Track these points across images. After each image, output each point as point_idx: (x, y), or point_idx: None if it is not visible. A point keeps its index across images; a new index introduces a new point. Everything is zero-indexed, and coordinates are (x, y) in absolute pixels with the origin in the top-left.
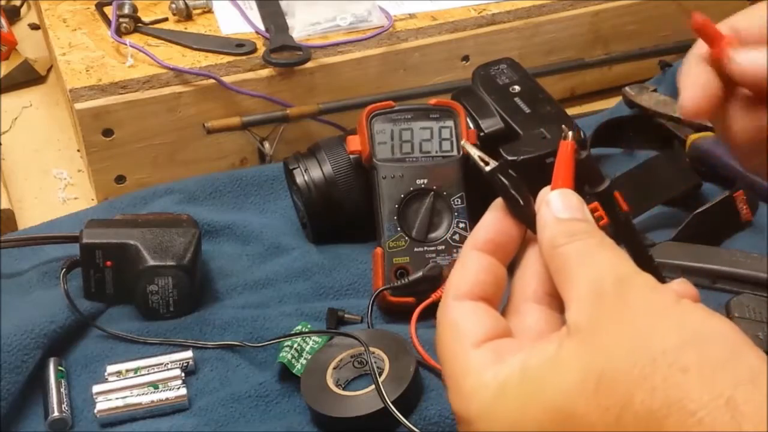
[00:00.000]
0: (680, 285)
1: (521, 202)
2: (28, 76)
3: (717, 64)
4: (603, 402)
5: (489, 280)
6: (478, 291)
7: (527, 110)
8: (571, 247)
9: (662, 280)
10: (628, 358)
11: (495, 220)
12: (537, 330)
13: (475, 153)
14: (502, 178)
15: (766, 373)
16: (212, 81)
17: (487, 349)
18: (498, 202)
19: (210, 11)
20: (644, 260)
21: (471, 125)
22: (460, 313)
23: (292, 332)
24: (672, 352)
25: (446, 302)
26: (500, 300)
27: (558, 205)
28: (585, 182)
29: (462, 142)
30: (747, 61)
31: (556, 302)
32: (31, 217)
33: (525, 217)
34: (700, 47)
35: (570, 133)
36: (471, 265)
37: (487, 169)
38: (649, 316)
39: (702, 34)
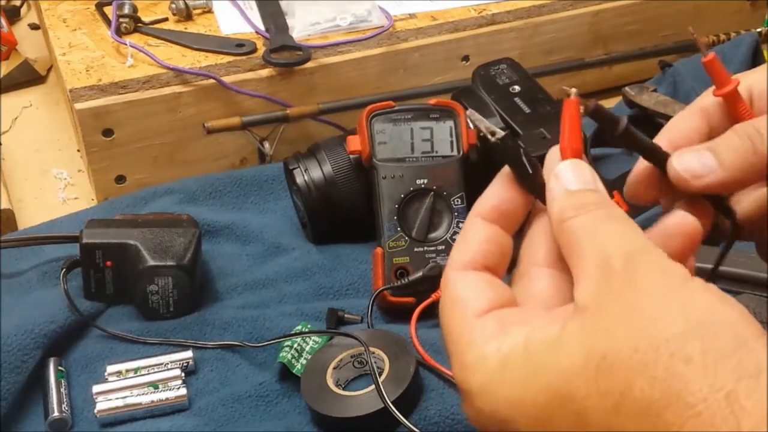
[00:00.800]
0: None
1: (530, 170)
2: (28, 76)
3: None
4: (603, 386)
5: (492, 249)
6: (480, 260)
7: (527, 110)
8: (580, 220)
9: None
10: (631, 343)
11: (502, 188)
12: (546, 296)
13: (482, 123)
14: (512, 146)
15: None
16: (212, 81)
17: (491, 319)
18: (505, 171)
19: (210, 11)
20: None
21: (471, 125)
22: (463, 283)
23: (292, 332)
24: (675, 340)
25: (448, 273)
26: (504, 269)
27: (568, 176)
28: (603, 131)
29: (468, 112)
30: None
31: (566, 266)
32: (31, 217)
33: (533, 187)
34: None
35: (573, 90)
36: (474, 234)
37: (494, 138)
38: (655, 300)
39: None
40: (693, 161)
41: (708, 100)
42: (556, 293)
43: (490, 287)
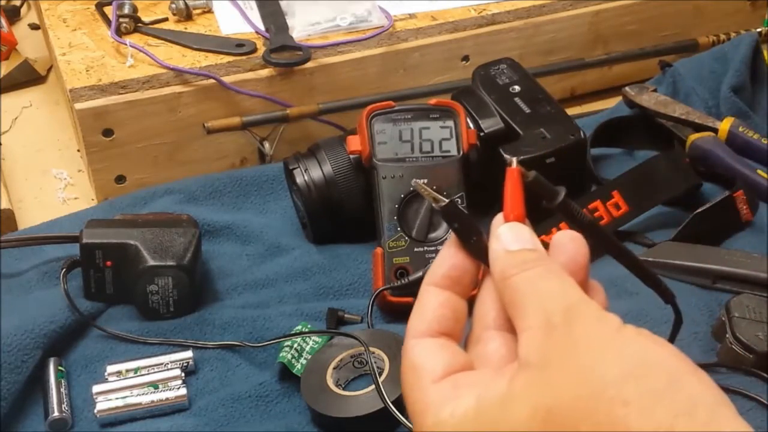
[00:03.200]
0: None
1: (473, 237)
2: (28, 76)
3: None
4: None
5: (447, 314)
6: (436, 326)
7: (527, 110)
8: (521, 277)
9: (643, 277)
10: (573, 393)
11: (449, 255)
12: (498, 357)
13: (426, 191)
14: (453, 215)
15: (705, 401)
16: (212, 81)
17: (446, 384)
18: (452, 238)
19: (210, 11)
20: (624, 261)
21: (471, 125)
22: (419, 350)
23: (292, 332)
24: (613, 385)
25: (406, 342)
26: (462, 333)
27: (508, 237)
28: (542, 199)
29: (413, 181)
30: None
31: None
32: (31, 217)
33: (478, 251)
34: None
35: (514, 159)
36: (428, 302)
37: (437, 206)
38: (592, 349)
39: None
40: None
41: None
42: (507, 353)
43: (446, 353)
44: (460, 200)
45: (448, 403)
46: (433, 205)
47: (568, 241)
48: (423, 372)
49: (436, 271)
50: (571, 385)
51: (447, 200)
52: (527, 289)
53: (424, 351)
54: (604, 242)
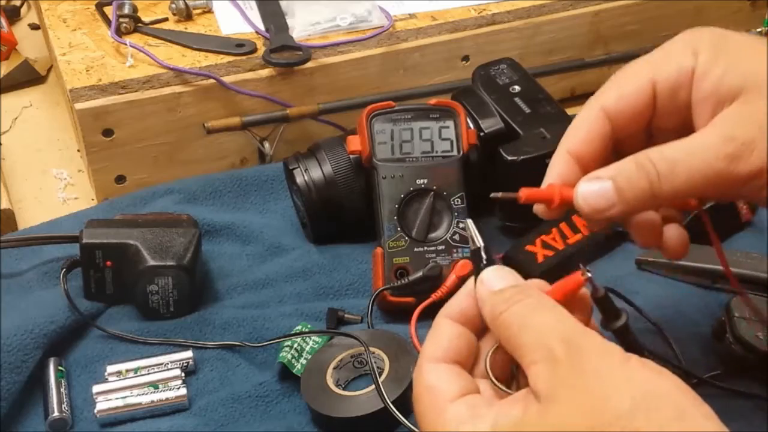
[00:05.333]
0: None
1: None
2: (28, 76)
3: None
4: None
5: (461, 345)
6: (451, 355)
7: (527, 110)
8: (510, 313)
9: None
10: (586, 423)
11: (467, 295)
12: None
13: (475, 232)
14: (476, 260)
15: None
16: (212, 81)
17: (462, 404)
18: (470, 281)
19: (210, 11)
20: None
21: (471, 125)
22: (435, 374)
23: (292, 332)
24: (625, 416)
25: (421, 365)
26: (471, 364)
27: (491, 279)
28: (603, 317)
29: (467, 221)
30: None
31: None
32: (31, 217)
33: None
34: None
35: (588, 273)
36: (444, 332)
37: (473, 247)
38: (601, 381)
39: (537, 201)
40: (596, 198)
41: (609, 99)
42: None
43: (460, 378)
44: (459, 200)
45: (467, 422)
46: (471, 242)
47: None
48: (439, 392)
49: (453, 305)
50: (584, 415)
51: (481, 244)
52: (520, 324)
53: (441, 374)
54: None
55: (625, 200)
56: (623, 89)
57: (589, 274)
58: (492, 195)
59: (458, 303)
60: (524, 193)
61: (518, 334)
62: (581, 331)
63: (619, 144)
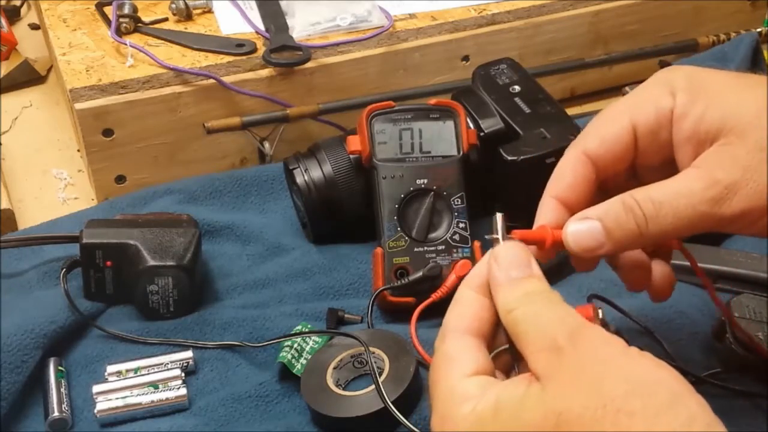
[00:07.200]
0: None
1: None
2: (28, 76)
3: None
4: None
5: (486, 318)
6: (476, 327)
7: (527, 110)
8: (522, 312)
9: None
10: (582, 402)
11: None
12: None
13: (501, 225)
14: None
15: (702, 420)
16: (212, 81)
17: (474, 382)
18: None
19: (210, 11)
20: None
21: (471, 125)
22: (457, 344)
23: (292, 332)
24: (620, 398)
25: (445, 333)
26: (491, 338)
27: (505, 259)
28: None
29: (495, 216)
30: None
31: None
32: (31, 217)
33: None
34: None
35: (600, 311)
36: (468, 303)
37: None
38: (600, 366)
39: (529, 243)
40: (585, 238)
41: (591, 144)
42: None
43: (480, 354)
44: (459, 200)
45: (472, 400)
46: (498, 234)
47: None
48: (456, 364)
49: (475, 276)
50: (581, 395)
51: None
52: (529, 322)
53: (461, 346)
54: None
55: (614, 240)
56: (604, 133)
57: (600, 312)
58: (487, 237)
59: (480, 274)
60: (517, 234)
61: (526, 330)
62: (585, 325)
63: (603, 183)
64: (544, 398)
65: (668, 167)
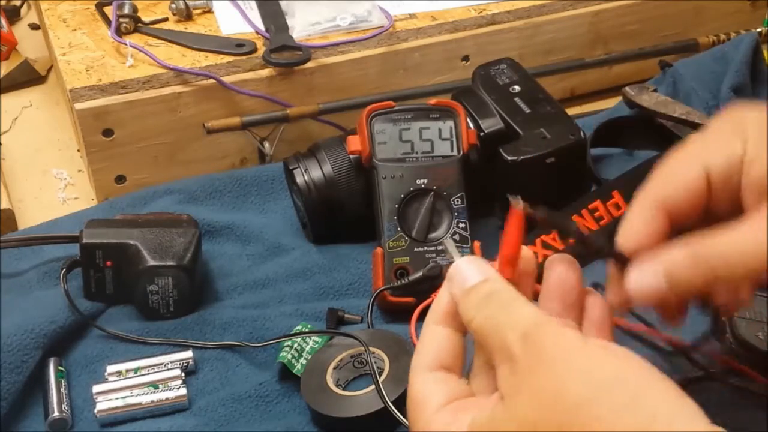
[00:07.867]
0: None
1: None
2: (28, 76)
3: None
4: None
5: (447, 349)
6: (441, 359)
7: (527, 110)
8: (480, 319)
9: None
10: (548, 411)
11: (446, 294)
12: (492, 389)
13: (452, 248)
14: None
15: (663, 413)
16: (212, 81)
17: (446, 412)
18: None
19: (210, 11)
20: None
21: (471, 125)
22: (422, 383)
23: (292, 332)
24: (585, 404)
25: (411, 376)
26: (462, 364)
27: (460, 277)
28: (559, 236)
29: (445, 239)
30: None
31: None
32: (31, 217)
33: None
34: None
35: (519, 201)
36: (428, 339)
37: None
38: (557, 372)
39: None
40: (648, 283)
41: (663, 192)
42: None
43: (446, 385)
44: (459, 200)
45: (449, 428)
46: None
47: (558, 264)
48: (426, 403)
49: (436, 308)
50: (544, 407)
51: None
52: (488, 329)
53: (426, 384)
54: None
55: (677, 291)
56: (677, 181)
57: (521, 203)
58: (443, 263)
59: (439, 305)
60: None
61: (486, 338)
62: (540, 321)
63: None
64: (509, 417)
65: (740, 211)
